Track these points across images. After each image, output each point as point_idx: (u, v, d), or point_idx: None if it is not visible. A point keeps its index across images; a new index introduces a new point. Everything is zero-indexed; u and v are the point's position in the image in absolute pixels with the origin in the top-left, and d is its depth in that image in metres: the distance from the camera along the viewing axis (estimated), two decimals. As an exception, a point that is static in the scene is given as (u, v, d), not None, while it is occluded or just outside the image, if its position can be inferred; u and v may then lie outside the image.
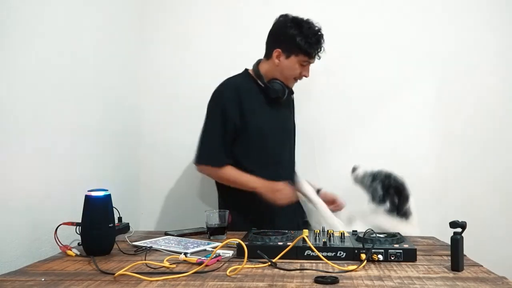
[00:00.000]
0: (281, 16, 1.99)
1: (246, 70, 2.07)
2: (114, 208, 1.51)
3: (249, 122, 1.94)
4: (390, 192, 1.83)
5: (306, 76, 2.02)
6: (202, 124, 1.97)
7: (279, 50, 1.96)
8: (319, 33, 1.96)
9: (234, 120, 1.92)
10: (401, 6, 2.37)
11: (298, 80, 2.04)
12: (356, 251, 1.35)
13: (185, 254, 1.37)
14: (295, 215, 2.04)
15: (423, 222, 1.93)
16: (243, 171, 1.93)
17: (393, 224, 1.77)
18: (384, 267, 1.28)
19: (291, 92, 2.10)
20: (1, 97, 1.34)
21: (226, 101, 1.94)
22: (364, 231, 1.45)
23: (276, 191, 1.89)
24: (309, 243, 1.34)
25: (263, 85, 1.99)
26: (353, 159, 2.19)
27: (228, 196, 2.01)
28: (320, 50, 1.97)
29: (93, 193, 1.44)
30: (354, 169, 1.95)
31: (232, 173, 1.94)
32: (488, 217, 2.27)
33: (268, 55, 2.01)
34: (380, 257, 1.33)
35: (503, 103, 2.33)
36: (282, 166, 2.05)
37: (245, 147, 1.95)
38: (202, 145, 1.97)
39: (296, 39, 1.92)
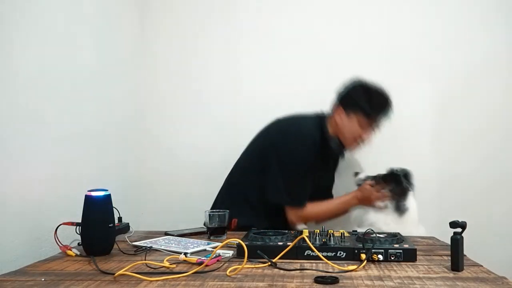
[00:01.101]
0: (354, 78, 1.98)
1: (320, 119, 2.00)
2: (114, 208, 1.51)
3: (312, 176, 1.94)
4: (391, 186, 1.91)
5: (364, 140, 1.98)
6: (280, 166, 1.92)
7: (341, 107, 1.95)
8: (386, 98, 1.93)
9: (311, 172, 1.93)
10: (400, 8, 2.36)
11: (360, 144, 2.01)
12: (356, 251, 1.35)
13: (185, 254, 1.37)
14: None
15: (423, 222, 1.94)
16: (250, 207, 1.94)
17: (388, 222, 1.81)
18: (384, 267, 1.28)
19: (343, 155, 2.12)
20: (1, 97, 1.34)
21: (309, 156, 1.91)
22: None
23: (368, 200, 1.92)
24: (309, 243, 1.34)
25: (330, 145, 1.97)
26: (353, 160, 2.19)
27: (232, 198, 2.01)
28: (382, 115, 1.94)
29: (93, 193, 1.44)
30: (356, 174, 2.04)
31: (320, 207, 1.97)
32: (488, 217, 2.27)
33: (332, 112, 2.00)
34: (380, 257, 1.33)
35: (503, 103, 2.33)
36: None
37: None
38: (291, 190, 1.92)
39: (359, 97, 1.92)
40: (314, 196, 1.95)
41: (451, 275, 1.21)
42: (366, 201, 1.94)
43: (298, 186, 1.92)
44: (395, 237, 1.45)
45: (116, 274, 1.18)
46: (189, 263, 1.31)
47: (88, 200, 1.44)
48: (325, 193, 2.09)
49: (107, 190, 1.47)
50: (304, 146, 1.91)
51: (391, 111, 1.95)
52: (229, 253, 1.40)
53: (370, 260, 1.33)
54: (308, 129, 1.96)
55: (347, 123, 1.94)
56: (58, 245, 1.46)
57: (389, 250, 1.34)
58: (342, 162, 2.19)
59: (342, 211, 2.02)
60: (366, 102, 1.92)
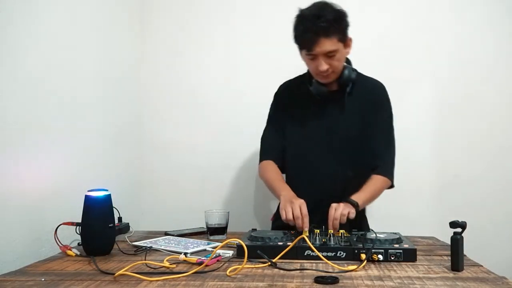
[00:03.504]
0: None
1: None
2: (114, 208, 1.51)
3: (288, 126, 1.86)
4: None
5: (322, 70, 1.69)
6: None
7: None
8: (309, 18, 1.65)
9: (279, 123, 1.88)
10: (401, 5, 2.36)
11: (329, 76, 1.74)
12: (356, 251, 1.35)
13: (185, 254, 1.37)
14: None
15: (423, 222, 1.94)
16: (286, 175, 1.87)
17: None
18: (384, 267, 1.28)
19: (343, 86, 1.79)
20: (1, 97, 1.34)
21: (275, 102, 1.92)
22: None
23: (284, 208, 1.60)
24: (309, 243, 1.34)
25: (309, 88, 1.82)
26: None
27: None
28: (309, 38, 1.64)
29: (93, 193, 1.44)
30: None
31: (266, 175, 1.85)
32: (488, 217, 2.27)
33: None
34: (380, 257, 1.33)
35: (503, 103, 2.33)
36: (320, 177, 1.80)
37: (286, 152, 1.87)
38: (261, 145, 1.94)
39: (294, 33, 1.72)
40: (313, 145, 1.81)
41: (451, 275, 1.21)
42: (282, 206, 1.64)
43: (262, 140, 1.91)
44: (395, 237, 1.45)
45: (116, 274, 1.18)
46: (189, 263, 1.31)
47: (88, 200, 1.44)
48: (330, 136, 1.81)
49: (107, 190, 1.47)
50: (273, 100, 1.94)
51: (304, 27, 1.65)
52: (229, 253, 1.40)
53: (370, 260, 1.33)
54: (286, 80, 1.95)
55: (304, 61, 1.78)
56: (58, 245, 1.46)
57: (389, 250, 1.34)
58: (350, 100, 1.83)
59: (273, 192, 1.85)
60: (295, 35, 1.71)
